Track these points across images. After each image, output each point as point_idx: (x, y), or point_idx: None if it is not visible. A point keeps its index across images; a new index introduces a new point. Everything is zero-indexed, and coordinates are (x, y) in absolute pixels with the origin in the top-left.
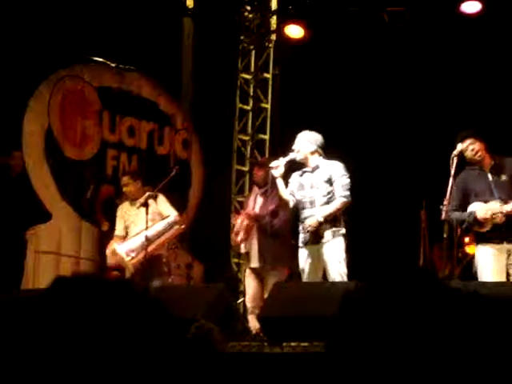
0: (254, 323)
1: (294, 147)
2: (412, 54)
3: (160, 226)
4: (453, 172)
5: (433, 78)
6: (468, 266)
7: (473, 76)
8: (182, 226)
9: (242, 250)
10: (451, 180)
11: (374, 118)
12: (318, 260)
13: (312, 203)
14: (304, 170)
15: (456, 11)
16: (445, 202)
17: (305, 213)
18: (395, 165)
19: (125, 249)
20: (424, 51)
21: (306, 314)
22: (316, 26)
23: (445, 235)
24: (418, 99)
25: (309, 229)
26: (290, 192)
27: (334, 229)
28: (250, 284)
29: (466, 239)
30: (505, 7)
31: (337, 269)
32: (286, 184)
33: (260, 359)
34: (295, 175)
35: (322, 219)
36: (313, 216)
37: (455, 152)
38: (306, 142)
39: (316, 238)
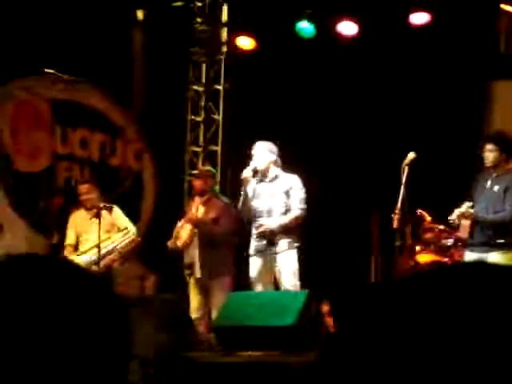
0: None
1: (254, 156)
2: (363, 65)
3: (116, 238)
4: (404, 181)
5: (383, 88)
6: None
7: (422, 87)
8: (138, 239)
9: (185, 259)
10: (402, 189)
11: (325, 128)
12: (270, 269)
13: (269, 212)
14: (261, 178)
15: (405, 22)
16: (396, 211)
17: (260, 221)
18: (347, 174)
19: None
20: (375, 63)
21: (260, 323)
22: (266, 38)
23: (397, 243)
24: (369, 110)
25: (260, 229)
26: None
27: (289, 240)
28: (194, 296)
29: (417, 248)
30: (453, 18)
31: (290, 280)
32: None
33: (214, 369)
34: (252, 183)
35: (275, 227)
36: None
37: (406, 161)
38: (268, 152)
39: (270, 247)
